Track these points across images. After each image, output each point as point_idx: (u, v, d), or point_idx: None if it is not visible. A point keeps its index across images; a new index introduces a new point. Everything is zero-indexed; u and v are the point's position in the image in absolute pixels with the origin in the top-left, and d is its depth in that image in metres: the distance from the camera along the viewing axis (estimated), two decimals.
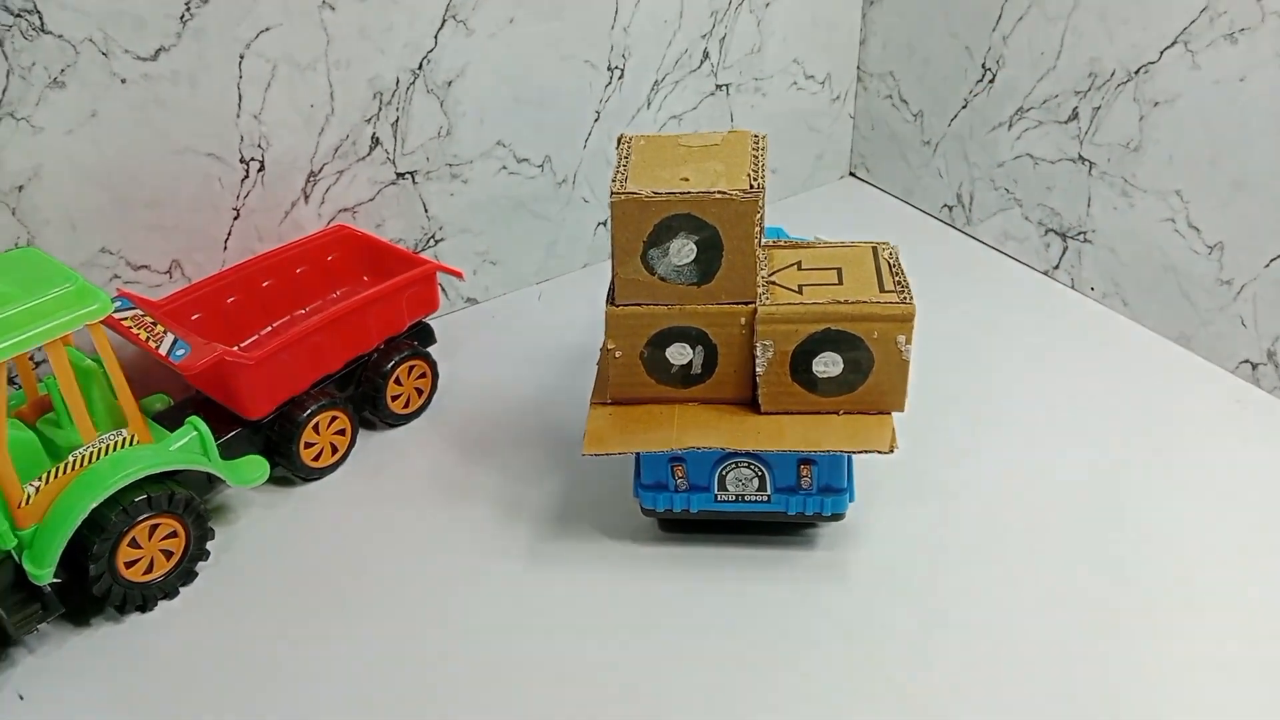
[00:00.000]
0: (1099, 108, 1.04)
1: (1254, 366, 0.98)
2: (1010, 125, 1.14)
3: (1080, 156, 1.08)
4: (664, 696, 0.71)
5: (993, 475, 0.89)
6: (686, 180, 0.73)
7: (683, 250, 0.73)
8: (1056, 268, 1.14)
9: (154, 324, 0.83)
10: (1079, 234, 1.10)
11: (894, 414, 0.77)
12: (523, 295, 1.16)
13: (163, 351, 0.80)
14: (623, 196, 0.72)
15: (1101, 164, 1.06)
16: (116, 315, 0.83)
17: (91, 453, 0.74)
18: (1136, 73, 1.00)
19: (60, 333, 0.70)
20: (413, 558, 0.82)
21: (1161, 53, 0.97)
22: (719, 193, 0.72)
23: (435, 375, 0.97)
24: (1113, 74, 1.02)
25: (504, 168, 1.09)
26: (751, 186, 0.72)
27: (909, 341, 0.74)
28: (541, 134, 1.10)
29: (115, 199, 0.89)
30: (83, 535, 0.72)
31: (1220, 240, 0.98)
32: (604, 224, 1.19)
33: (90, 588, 0.74)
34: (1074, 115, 1.07)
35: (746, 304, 0.75)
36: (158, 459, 0.76)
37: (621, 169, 0.75)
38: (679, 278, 0.74)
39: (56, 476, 0.73)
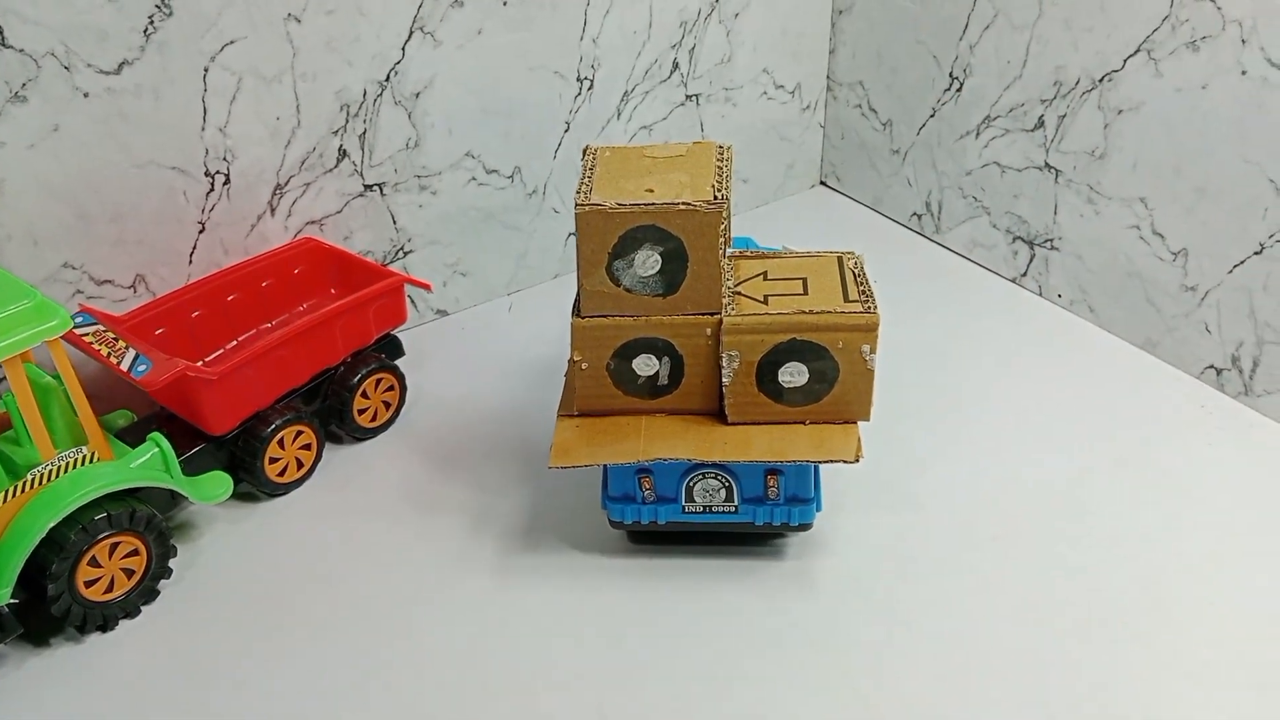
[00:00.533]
0: (1064, 116, 1.05)
1: (1219, 372, 0.99)
2: (978, 134, 1.14)
3: (1046, 164, 1.08)
4: (632, 708, 0.71)
5: (960, 483, 0.89)
6: (651, 191, 0.73)
7: (648, 261, 0.73)
8: (1024, 275, 1.15)
9: (115, 339, 0.82)
10: (1046, 241, 1.11)
11: (860, 423, 0.77)
12: (493, 307, 1.15)
13: (124, 367, 0.79)
14: (587, 208, 0.72)
15: (1067, 172, 1.07)
16: (77, 331, 0.82)
17: (50, 470, 0.73)
18: (1101, 81, 1.01)
19: (17, 350, 0.69)
20: (380, 572, 0.82)
21: (1125, 61, 0.98)
22: (683, 204, 0.72)
23: (403, 388, 0.97)
24: (1077, 82, 1.03)
25: (473, 179, 1.09)
26: (716, 198, 0.72)
27: (874, 351, 0.74)
28: (511, 145, 1.10)
29: (78, 214, 0.88)
30: (41, 554, 0.71)
31: (1184, 247, 0.98)
32: (574, 234, 1.18)
33: (49, 608, 0.73)
34: (1040, 123, 1.08)
35: (712, 315, 0.75)
36: (118, 476, 0.75)
37: (586, 180, 0.75)
38: (644, 289, 0.74)
39: (14, 495, 0.72)
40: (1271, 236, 0.92)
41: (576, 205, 0.72)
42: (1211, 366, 0.99)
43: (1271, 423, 0.95)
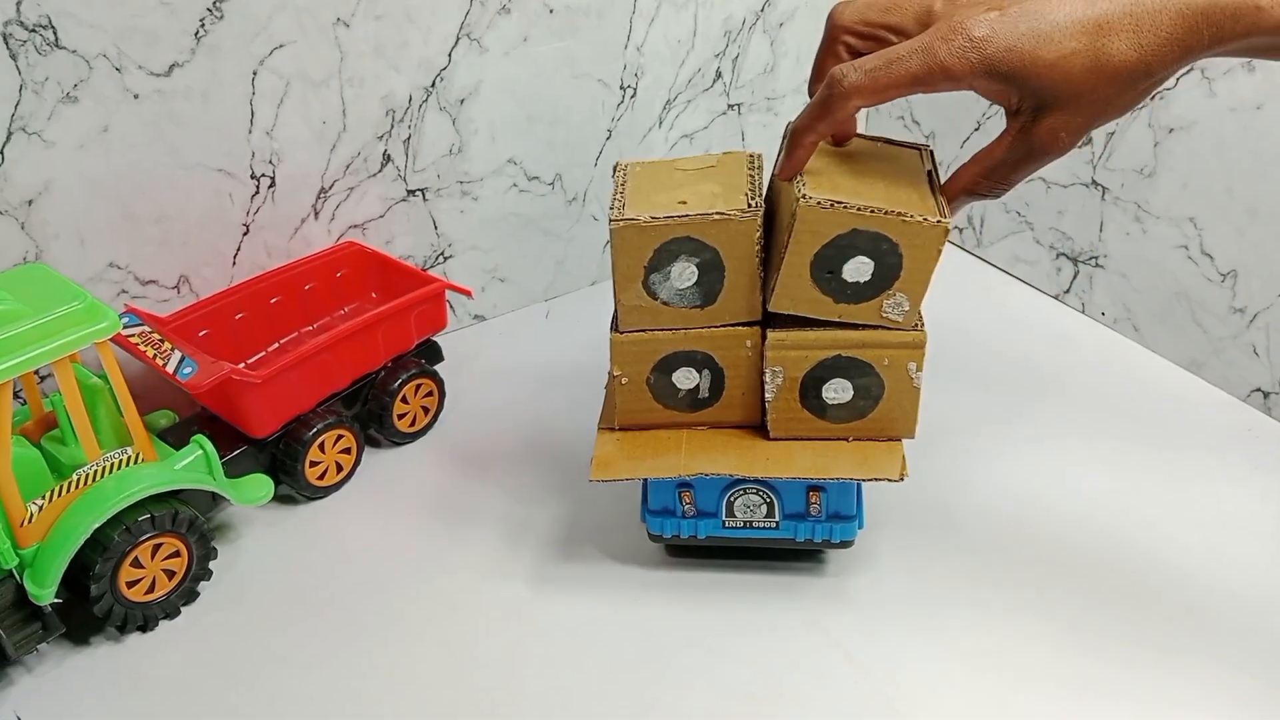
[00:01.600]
0: (1113, 133, 1.04)
1: (1265, 395, 0.97)
2: None
3: (1094, 181, 1.07)
4: None
5: (1002, 503, 0.88)
6: (684, 203, 0.73)
7: (684, 273, 0.73)
8: (1067, 292, 1.13)
9: (161, 341, 0.82)
10: (1090, 259, 1.10)
11: (904, 440, 0.77)
12: (531, 313, 1.15)
13: (169, 369, 0.80)
14: (621, 223, 0.71)
15: (1115, 189, 1.05)
16: (124, 332, 0.83)
17: (95, 471, 0.74)
18: (1152, 99, 1.00)
19: (68, 351, 0.69)
20: (417, 579, 0.82)
21: (1178, 79, 0.97)
22: (717, 214, 0.71)
23: (442, 394, 0.97)
24: None
25: (514, 185, 1.09)
26: (750, 205, 0.71)
27: (920, 369, 0.74)
28: (553, 152, 1.10)
29: (125, 214, 0.89)
30: (85, 554, 0.72)
31: (1234, 268, 0.97)
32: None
33: (91, 607, 0.74)
34: (1088, 140, 1.06)
35: (751, 325, 0.74)
36: (162, 478, 0.76)
37: (619, 196, 0.75)
38: (682, 301, 0.74)
39: (60, 495, 0.72)
40: None
41: (610, 220, 0.72)
42: (1258, 390, 0.98)
43: None
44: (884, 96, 0.63)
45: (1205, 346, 1.01)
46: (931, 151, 0.76)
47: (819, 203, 0.68)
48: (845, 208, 0.68)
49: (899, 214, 0.68)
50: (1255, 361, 0.97)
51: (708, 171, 0.76)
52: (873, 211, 0.68)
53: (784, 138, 0.71)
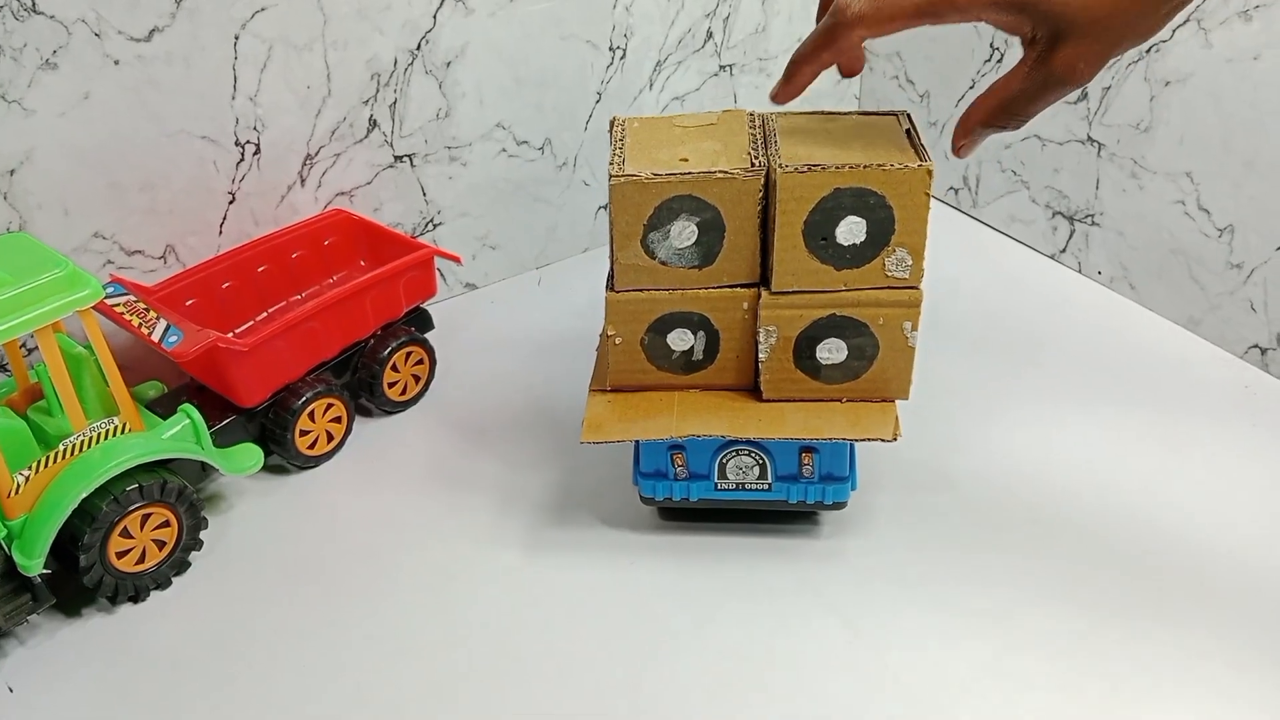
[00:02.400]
0: (1109, 87, 1.02)
1: (1263, 351, 0.97)
2: None
3: (1089, 138, 1.06)
4: (663, 687, 0.70)
5: (996, 462, 0.87)
6: (686, 161, 0.72)
7: (684, 233, 0.72)
8: (1063, 251, 1.12)
9: (146, 310, 0.81)
10: (1087, 217, 1.09)
11: (897, 401, 0.76)
12: (522, 280, 1.14)
13: (155, 338, 0.79)
14: (622, 179, 0.71)
15: (1111, 145, 1.04)
16: (109, 301, 0.82)
17: (82, 441, 0.73)
18: (1148, 51, 0.98)
19: (50, 319, 0.69)
20: (409, 546, 0.81)
21: (1174, 31, 0.96)
22: (720, 172, 0.70)
23: (433, 362, 0.96)
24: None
25: (503, 150, 1.08)
26: (753, 165, 0.71)
27: (915, 328, 0.73)
28: (542, 116, 1.08)
29: (108, 183, 0.87)
30: (73, 525, 0.71)
31: (1231, 223, 0.96)
32: (605, 207, 1.17)
33: (81, 578, 0.73)
34: (1083, 95, 1.05)
35: (750, 286, 0.74)
36: (149, 447, 0.75)
37: (618, 151, 0.74)
38: (680, 261, 0.73)
39: (46, 465, 0.72)
40: None
41: (611, 177, 0.71)
42: (1256, 346, 0.97)
43: None
44: (889, 28, 0.61)
45: (1202, 303, 1.00)
46: (909, 115, 0.75)
47: (795, 169, 0.68)
48: (823, 169, 0.68)
49: (878, 165, 0.68)
50: (1253, 317, 0.96)
51: (708, 129, 0.76)
52: (851, 167, 0.68)
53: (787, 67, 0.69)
